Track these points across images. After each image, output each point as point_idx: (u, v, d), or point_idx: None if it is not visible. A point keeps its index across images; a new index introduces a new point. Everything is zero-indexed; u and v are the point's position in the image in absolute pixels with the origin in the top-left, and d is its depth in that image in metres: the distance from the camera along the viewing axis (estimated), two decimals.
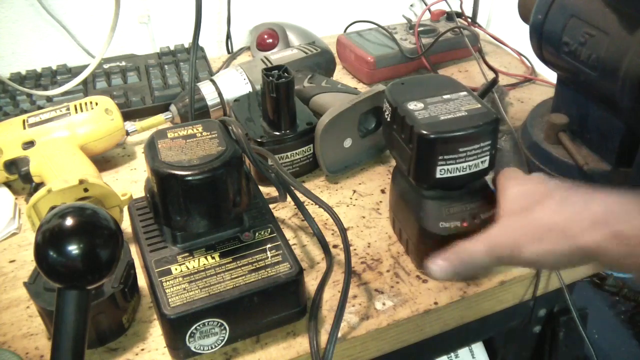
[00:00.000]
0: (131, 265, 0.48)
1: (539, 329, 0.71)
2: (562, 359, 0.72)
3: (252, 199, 0.51)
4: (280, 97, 0.62)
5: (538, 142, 0.62)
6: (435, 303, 0.51)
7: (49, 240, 0.35)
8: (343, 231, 0.51)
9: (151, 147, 0.47)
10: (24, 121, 0.64)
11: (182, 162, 0.45)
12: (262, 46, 0.94)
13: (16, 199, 0.64)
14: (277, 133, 0.64)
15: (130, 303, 0.48)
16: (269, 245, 0.48)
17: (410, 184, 0.52)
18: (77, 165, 0.60)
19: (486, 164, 0.49)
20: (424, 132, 0.47)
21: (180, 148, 0.47)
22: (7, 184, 0.66)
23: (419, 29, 0.90)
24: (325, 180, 0.67)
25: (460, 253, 0.43)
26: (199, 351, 0.45)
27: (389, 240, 0.58)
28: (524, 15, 0.66)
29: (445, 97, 0.51)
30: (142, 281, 0.51)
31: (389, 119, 0.52)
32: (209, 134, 0.48)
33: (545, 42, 0.61)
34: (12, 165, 0.62)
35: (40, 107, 0.75)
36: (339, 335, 0.48)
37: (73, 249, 0.35)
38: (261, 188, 0.57)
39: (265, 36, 0.94)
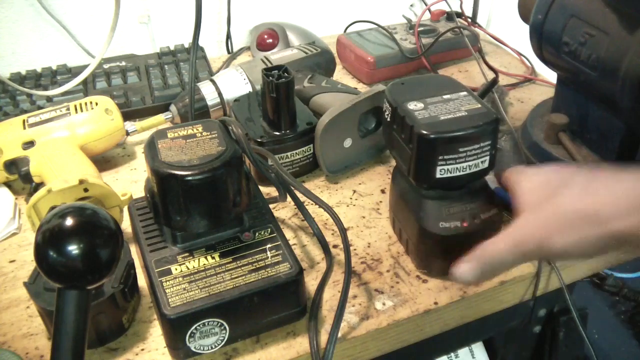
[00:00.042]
0: (131, 265, 0.48)
1: (539, 329, 0.71)
2: (562, 359, 0.72)
3: (252, 199, 0.51)
4: (280, 97, 0.62)
5: (538, 142, 0.62)
6: (435, 303, 0.51)
7: (49, 240, 0.35)
8: (343, 231, 0.51)
9: (151, 147, 0.47)
10: (24, 121, 0.64)
11: (182, 162, 0.45)
12: (262, 46, 0.94)
13: (16, 199, 0.64)
14: (277, 133, 0.64)
15: (130, 303, 0.48)
16: (269, 245, 0.48)
17: (410, 184, 0.52)
18: (77, 165, 0.60)
19: (486, 164, 0.49)
20: (424, 132, 0.47)
21: (180, 148, 0.47)
22: (7, 184, 0.66)
23: (419, 29, 0.90)
24: (325, 180, 0.67)
25: (484, 255, 0.41)
26: (199, 351, 0.45)
27: (389, 240, 0.58)
28: (524, 15, 0.66)
29: (445, 97, 0.51)
30: (142, 281, 0.51)
31: (389, 119, 0.52)
32: (209, 134, 0.48)
33: (545, 42, 0.61)
34: (12, 165, 0.62)
35: (40, 107, 0.75)
36: (339, 335, 0.48)
37: (73, 249, 0.35)
38: (261, 188, 0.57)
39: (265, 36, 0.94)
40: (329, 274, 0.53)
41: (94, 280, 0.36)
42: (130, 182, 0.68)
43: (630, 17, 0.52)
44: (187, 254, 0.47)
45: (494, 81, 0.72)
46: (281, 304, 0.47)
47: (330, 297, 0.52)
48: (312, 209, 0.57)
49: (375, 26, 0.94)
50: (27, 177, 0.62)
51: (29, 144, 0.63)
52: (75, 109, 0.66)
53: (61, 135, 0.64)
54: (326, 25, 1.04)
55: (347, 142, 0.66)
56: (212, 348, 0.45)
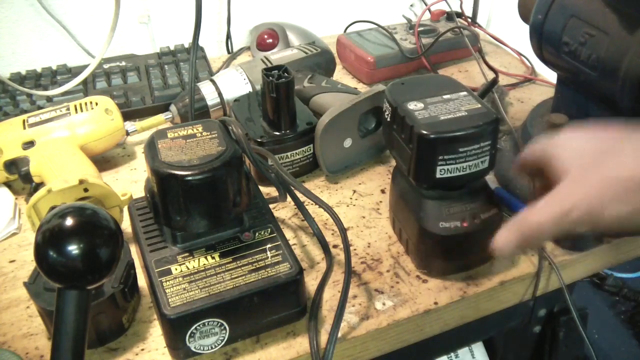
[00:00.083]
0: (131, 265, 0.48)
1: (539, 329, 0.71)
2: (562, 359, 0.72)
3: (252, 199, 0.51)
4: (280, 97, 0.62)
5: None
6: (435, 303, 0.51)
7: (49, 240, 0.35)
8: (343, 231, 0.51)
9: (151, 147, 0.47)
10: (24, 121, 0.64)
11: (182, 162, 0.45)
12: (262, 46, 0.94)
13: (16, 199, 0.64)
14: (277, 133, 0.64)
15: (130, 303, 0.48)
16: (269, 245, 0.48)
17: (410, 184, 0.52)
18: (77, 165, 0.60)
19: (486, 164, 0.49)
20: (424, 132, 0.47)
21: (180, 148, 0.47)
22: (7, 184, 0.66)
23: (419, 29, 0.90)
24: (325, 180, 0.67)
25: (526, 225, 0.38)
26: (199, 351, 0.45)
27: (389, 240, 0.58)
28: (524, 15, 0.66)
29: (445, 97, 0.51)
30: (142, 281, 0.51)
31: (389, 119, 0.52)
32: (209, 134, 0.48)
33: (545, 42, 0.61)
34: (12, 165, 0.62)
35: (40, 107, 0.75)
36: (339, 335, 0.48)
37: (73, 249, 0.35)
38: (261, 188, 0.57)
39: (265, 36, 0.94)
40: (329, 274, 0.53)
41: (94, 280, 0.36)
42: (130, 182, 0.68)
43: (630, 17, 0.52)
44: (187, 254, 0.47)
45: (494, 81, 0.72)
46: (281, 304, 0.47)
47: (330, 297, 0.52)
48: (312, 209, 0.57)
49: (375, 26, 0.94)
50: (27, 177, 0.62)
51: (29, 144, 0.63)
52: (75, 109, 0.66)
53: (61, 135, 0.64)
54: (326, 25, 1.04)
55: (347, 142, 0.66)
56: (212, 348, 0.45)
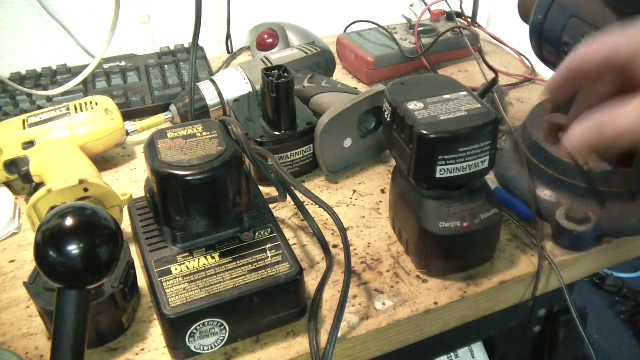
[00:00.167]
0: (131, 265, 0.48)
1: (539, 329, 0.71)
2: (562, 359, 0.72)
3: (252, 199, 0.51)
4: (280, 97, 0.62)
5: (538, 142, 0.62)
6: (435, 303, 0.51)
7: (49, 240, 0.35)
8: (343, 231, 0.51)
9: (151, 147, 0.47)
10: (24, 121, 0.64)
11: (182, 162, 0.45)
12: (262, 46, 0.94)
13: (16, 199, 0.64)
14: (277, 133, 0.64)
15: (130, 303, 0.48)
16: (269, 245, 0.48)
17: (410, 184, 0.52)
18: (77, 165, 0.60)
19: (486, 164, 0.49)
20: (424, 132, 0.47)
21: (180, 148, 0.47)
22: (7, 184, 0.66)
23: (419, 29, 0.90)
24: (325, 180, 0.67)
25: (610, 128, 0.34)
26: (199, 351, 0.45)
27: (389, 240, 0.58)
28: (524, 15, 0.66)
29: (445, 97, 0.51)
30: (142, 281, 0.51)
31: (389, 119, 0.52)
32: (209, 134, 0.48)
33: (545, 42, 0.61)
34: (12, 165, 0.62)
35: (40, 107, 0.75)
36: (339, 335, 0.48)
37: (73, 249, 0.35)
38: (261, 188, 0.57)
39: (265, 36, 0.94)
40: (329, 274, 0.53)
41: (94, 280, 0.36)
42: (130, 182, 0.68)
43: (630, 17, 0.52)
44: (187, 254, 0.47)
45: (494, 81, 0.72)
46: (281, 304, 0.47)
47: (330, 297, 0.52)
48: (312, 209, 0.57)
49: (375, 26, 0.94)
50: (27, 177, 0.62)
51: (29, 144, 0.63)
52: (75, 109, 0.66)
53: (61, 135, 0.64)
54: (326, 25, 1.04)
55: (347, 142, 0.66)
56: (212, 348, 0.45)
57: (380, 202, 0.63)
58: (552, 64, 0.63)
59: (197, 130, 0.49)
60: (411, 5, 1.14)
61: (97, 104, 0.67)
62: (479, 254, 0.54)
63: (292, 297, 0.47)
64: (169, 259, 0.47)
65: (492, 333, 0.70)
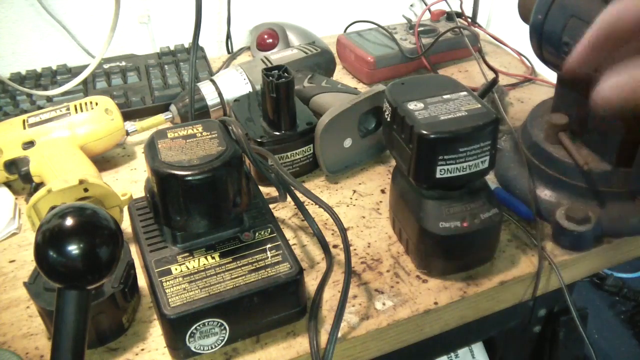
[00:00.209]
0: (131, 265, 0.48)
1: (539, 329, 0.71)
2: (562, 359, 0.72)
3: (252, 199, 0.51)
4: (280, 97, 0.62)
5: (538, 142, 0.62)
6: (435, 303, 0.51)
7: (49, 240, 0.35)
8: (343, 231, 0.51)
9: (151, 147, 0.47)
10: (24, 121, 0.64)
11: (182, 162, 0.45)
12: (262, 46, 0.94)
13: (16, 199, 0.64)
14: (277, 133, 0.64)
15: (130, 303, 0.48)
16: (269, 245, 0.48)
17: (410, 184, 0.52)
18: (77, 165, 0.60)
19: (486, 164, 0.49)
20: (424, 132, 0.47)
21: (180, 148, 0.47)
22: (7, 184, 0.66)
23: (419, 29, 0.90)
24: (325, 180, 0.67)
25: None
26: (199, 351, 0.45)
27: (389, 240, 0.58)
28: (524, 15, 0.66)
29: (445, 97, 0.51)
30: (142, 281, 0.51)
31: (389, 119, 0.52)
32: (209, 134, 0.48)
33: (545, 42, 0.61)
34: (12, 165, 0.62)
35: (40, 107, 0.75)
36: (339, 335, 0.48)
37: (73, 249, 0.35)
38: (261, 188, 0.57)
39: (265, 36, 0.94)
40: (329, 274, 0.53)
41: (94, 280, 0.36)
42: (130, 182, 0.68)
43: None
44: (187, 254, 0.47)
45: (494, 81, 0.72)
46: (281, 304, 0.47)
47: (330, 297, 0.52)
48: (312, 209, 0.57)
49: (375, 26, 0.94)
50: (27, 177, 0.62)
51: (29, 144, 0.63)
52: (75, 109, 0.66)
53: (61, 135, 0.64)
54: (326, 25, 1.04)
55: (347, 142, 0.66)
56: (212, 348, 0.45)
57: (380, 202, 0.63)
58: (552, 64, 0.63)
59: (197, 130, 0.49)
60: (411, 5, 1.14)
61: (97, 104, 0.67)
62: (479, 254, 0.54)
63: (292, 297, 0.47)
64: (169, 259, 0.47)
65: (492, 333, 0.70)
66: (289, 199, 0.54)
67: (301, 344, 0.47)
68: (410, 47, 0.87)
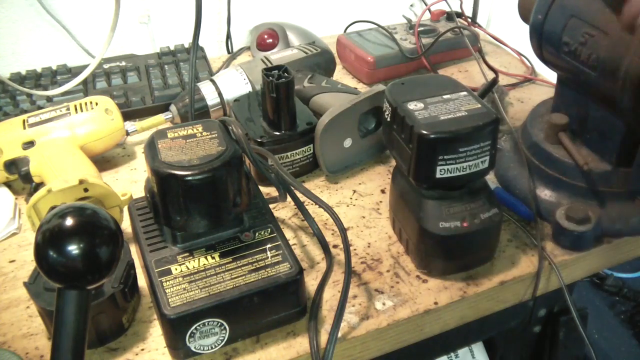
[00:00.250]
0: (131, 265, 0.48)
1: (539, 329, 0.71)
2: (562, 359, 0.72)
3: (252, 199, 0.51)
4: (280, 97, 0.62)
5: (538, 142, 0.62)
6: (435, 303, 0.51)
7: (49, 240, 0.35)
8: (343, 231, 0.51)
9: (151, 147, 0.47)
10: (24, 121, 0.64)
11: (182, 162, 0.45)
12: (262, 46, 0.94)
13: (16, 199, 0.64)
14: (277, 133, 0.64)
15: (130, 303, 0.48)
16: (269, 245, 0.48)
17: (410, 184, 0.52)
18: (77, 165, 0.60)
19: (486, 164, 0.49)
20: (424, 132, 0.47)
21: (180, 148, 0.47)
22: (7, 184, 0.66)
23: (419, 29, 0.90)
24: (325, 180, 0.67)
25: None
26: (199, 351, 0.45)
27: (389, 240, 0.58)
28: (524, 15, 0.66)
29: (445, 97, 0.51)
30: (142, 281, 0.51)
31: (389, 119, 0.52)
32: (209, 134, 0.48)
33: (545, 42, 0.61)
34: (12, 165, 0.62)
35: (40, 107, 0.75)
36: (339, 335, 0.48)
37: (73, 249, 0.35)
38: (261, 188, 0.57)
39: (265, 36, 0.94)
40: (329, 274, 0.53)
41: (94, 280, 0.36)
42: (130, 182, 0.68)
43: None
44: (187, 254, 0.47)
45: (494, 81, 0.72)
46: (281, 304, 0.47)
47: (330, 297, 0.52)
48: (312, 209, 0.57)
49: (375, 26, 0.94)
50: (27, 177, 0.62)
51: (29, 144, 0.63)
52: (75, 109, 0.66)
53: (61, 135, 0.64)
54: (326, 25, 1.04)
55: (347, 142, 0.66)
56: (212, 348, 0.45)
57: (380, 202, 0.63)
58: (552, 64, 0.63)
59: (197, 130, 0.49)
60: (411, 5, 1.14)
61: (97, 104, 0.67)
62: (479, 254, 0.54)
63: (292, 297, 0.47)
64: (169, 259, 0.47)
65: (492, 333, 0.70)
66: (289, 199, 0.54)
67: (301, 344, 0.47)
68: (410, 47, 0.87)
